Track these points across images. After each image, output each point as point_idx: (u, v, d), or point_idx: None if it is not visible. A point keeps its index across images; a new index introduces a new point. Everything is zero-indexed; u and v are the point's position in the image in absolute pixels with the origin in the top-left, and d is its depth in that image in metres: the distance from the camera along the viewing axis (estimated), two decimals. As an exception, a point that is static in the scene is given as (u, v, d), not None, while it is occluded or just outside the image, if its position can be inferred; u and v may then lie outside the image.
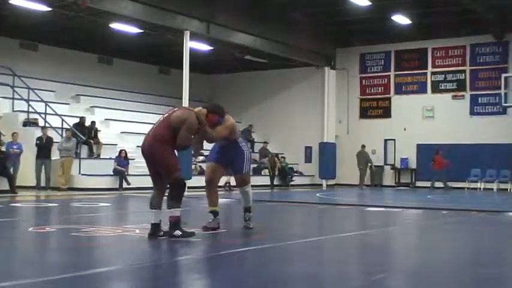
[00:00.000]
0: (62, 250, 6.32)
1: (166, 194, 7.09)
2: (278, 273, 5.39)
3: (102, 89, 24.05)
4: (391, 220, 11.22)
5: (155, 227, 7.04)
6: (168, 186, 7.05)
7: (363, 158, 24.14)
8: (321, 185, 25.22)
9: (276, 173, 23.95)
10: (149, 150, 7.00)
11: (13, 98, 19.65)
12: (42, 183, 17.62)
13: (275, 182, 23.73)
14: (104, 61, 25.30)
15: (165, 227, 7.04)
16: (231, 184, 21.00)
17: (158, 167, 7.01)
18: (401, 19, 22.92)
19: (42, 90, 20.49)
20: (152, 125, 7.31)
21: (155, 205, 7.09)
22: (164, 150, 6.92)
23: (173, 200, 6.90)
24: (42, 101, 19.33)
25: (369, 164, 24.33)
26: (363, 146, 24.52)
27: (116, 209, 13.15)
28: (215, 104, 7.83)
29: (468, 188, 23.30)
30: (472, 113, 24.56)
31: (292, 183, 24.41)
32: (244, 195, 8.07)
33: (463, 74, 24.82)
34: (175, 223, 6.88)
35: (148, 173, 7.23)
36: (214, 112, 7.41)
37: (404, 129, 25.55)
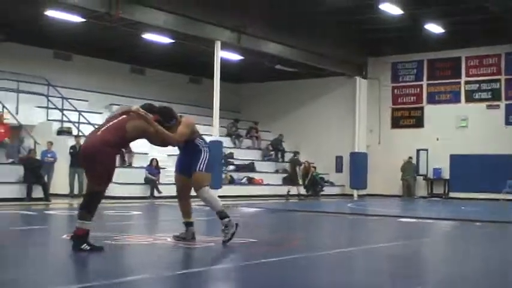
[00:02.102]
0: (95, 258, 6.36)
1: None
2: (309, 283, 5.34)
3: (134, 99, 24.20)
4: (424, 231, 11.06)
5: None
6: (86, 196, 6.72)
7: (409, 169, 24.82)
8: (351, 195, 25.03)
9: (306, 182, 23.81)
10: (93, 154, 6.55)
11: (47, 108, 19.95)
12: (76, 191, 17.82)
13: (303, 192, 23.49)
14: (136, 71, 25.56)
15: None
16: (290, 193, 21.58)
17: (92, 171, 6.63)
18: (434, 28, 22.70)
19: (75, 99, 20.76)
20: (98, 127, 6.94)
21: None
22: (108, 159, 6.63)
23: (87, 212, 6.58)
24: (75, 110, 19.59)
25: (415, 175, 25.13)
26: (410, 158, 24.96)
27: (148, 218, 13.22)
28: (162, 106, 7.43)
29: (503, 200, 22.88)
30: (508, 122, 24.15)
31: (322, 193, 24.25)
32: (206, 203, 7.36)
33: (498, 83, 24.44)
34: (82, 236, 6.54)
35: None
36: (152, 112, 7.01)
37: (437, 139, 25.24)
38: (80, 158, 6.85)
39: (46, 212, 13.23)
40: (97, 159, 6.52)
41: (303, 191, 22.68)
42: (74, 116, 19.50)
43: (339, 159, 26.70)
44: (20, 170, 16.38)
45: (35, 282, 5.34)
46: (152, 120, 6.85)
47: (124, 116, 6.84)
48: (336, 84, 26.58)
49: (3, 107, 18.13)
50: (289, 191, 21.87)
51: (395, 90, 26.54)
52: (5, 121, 17.36)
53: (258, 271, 5.90)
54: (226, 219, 7.27)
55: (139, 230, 10.32)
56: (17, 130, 18.30)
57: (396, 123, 26.47)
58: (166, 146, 7.47)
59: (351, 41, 24.82)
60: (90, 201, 6.60)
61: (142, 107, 7.03)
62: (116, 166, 6.88)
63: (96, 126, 7.15)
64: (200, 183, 7.29)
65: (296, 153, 24.83)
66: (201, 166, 7.28)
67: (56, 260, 6.37)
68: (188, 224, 7.51)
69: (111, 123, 6.78)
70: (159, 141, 7.06)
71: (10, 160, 16.91)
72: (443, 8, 21.18)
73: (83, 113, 19.70)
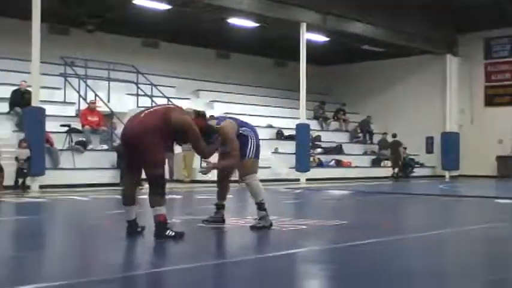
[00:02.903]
0: (190, 241, 6.45)
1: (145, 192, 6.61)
2: (401, 266, 5.22)
3: (220, 84, 24.51)
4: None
5: (133, 224, 6.60)
6: (149, 182, 6.50)
7: None
8: (443, 176, 24.34)
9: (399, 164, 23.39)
10: (137, 139, 6.27)
11: (137, 95, 20.46)
12: (166, 176, 18.21)
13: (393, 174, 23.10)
14: (221, 56, 25.79)
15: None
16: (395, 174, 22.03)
17: (142, 158, 6.35)
18: (530, -1, 21.58)
19: (163, 86, 21.20)
20: (140, 111, 6.64)
21: (130, 201, 6.66)
22: (156, 143, 6.29)
23: (157, 197, 6.38)
24: (164, 96, 20.00)
25: None
26: None
27: (237, 201, 13.34)
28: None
29: None
30: None
31: (412, 174, 23.72)
32: (250, 190, 7.26)
33: None
34: (164, 222, 6.33)
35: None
36: (201, 116, 6.75)
37: (535, 117, 24.10)
38: (125, 144, 6.49)
39: (139, 196, 13.57)
40: (141, 144, 6.26)
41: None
42: (162, 102, 19.90)
43: (429, 140, 26.01)
44: (113, 156, 16.92)
45: (132, 263, 5.47)
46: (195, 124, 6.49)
47: (171, 106, 6.71)
48: (425, 62, 25.84)
49: (96, 95, 18.75)
50: (396, 172, 22.40)
51: (489, 67, 25.49)
52: (97, 109, 17.94)
53: (348, 253, 5.81)
54: (264, 212, 7.18)
55: (230, 213, 10.40)
56: (109, 117, 18.89)
57: (490, 101, 25.44)
58: (205, 157, 7.13)
59: (440, 17, 23.96)
60: (156, 187, 6.42)
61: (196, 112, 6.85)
62: (164, 151, 6.51)
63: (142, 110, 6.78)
64: (248, 170, 7.21)
65: (394, 135, 24.11)
66: (250, 153, 7.20)
67: (153, 243, 6.49)
68: (220, 207, 7.55)
69: (156, 108, 6.62)
70: (196, 146, 6.68)
71: (104, 147, 17.49)
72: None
73: (171, 99, 20.08)
